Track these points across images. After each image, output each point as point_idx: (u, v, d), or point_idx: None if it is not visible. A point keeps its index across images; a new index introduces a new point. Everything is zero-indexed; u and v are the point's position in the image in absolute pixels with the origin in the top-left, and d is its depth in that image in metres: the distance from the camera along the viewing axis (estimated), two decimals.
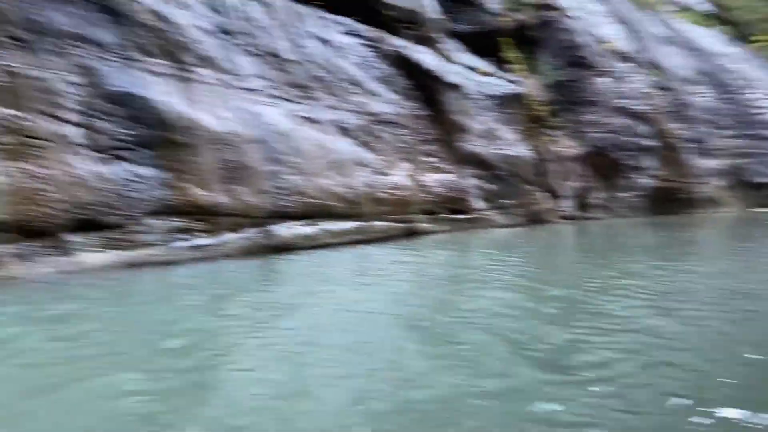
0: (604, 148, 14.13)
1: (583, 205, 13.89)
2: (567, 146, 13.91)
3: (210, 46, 8.84)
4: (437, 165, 11.62)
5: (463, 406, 2.52)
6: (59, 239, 6.61)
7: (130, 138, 7.37)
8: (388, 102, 11.31)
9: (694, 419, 2.33)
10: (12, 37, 6.77)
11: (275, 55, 9.83)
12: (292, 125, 9.31)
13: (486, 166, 12.31)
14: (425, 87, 11.97)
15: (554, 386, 2.72)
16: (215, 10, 9.25)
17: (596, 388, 2.67)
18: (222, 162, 8.11)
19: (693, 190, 14.91)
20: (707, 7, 20.69)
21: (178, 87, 8.12)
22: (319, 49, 10.58)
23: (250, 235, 8.16)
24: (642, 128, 14.47)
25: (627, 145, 14.25)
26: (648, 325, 3.84)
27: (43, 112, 6.79)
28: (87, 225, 6.82)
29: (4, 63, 6.62)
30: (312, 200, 8.99)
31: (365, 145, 10.43)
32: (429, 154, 11.60)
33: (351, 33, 11.42)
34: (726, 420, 2.32)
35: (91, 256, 6.75)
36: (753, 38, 19.74)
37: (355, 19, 11.57)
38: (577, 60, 14.74)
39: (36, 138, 6.65)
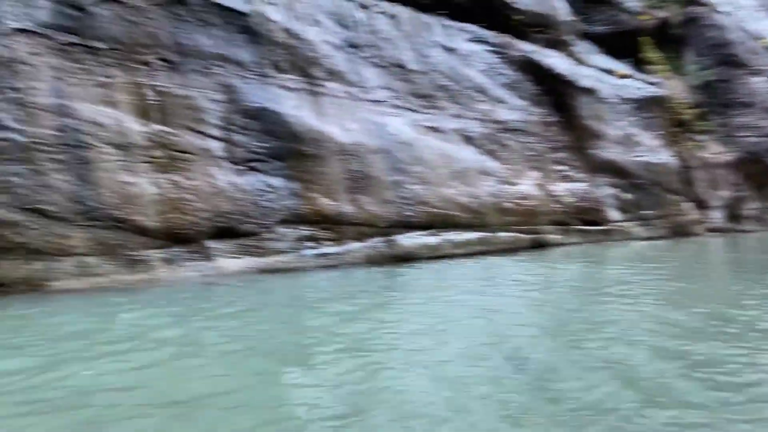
0: (759, 153, 12.94)
1: (734, 217, 12.69)
2: (716, 152, 12.80)
3: (338, 60, 9.11)
4: (568, 173, 10.99)
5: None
6: (202, 245, 7.12)
7: (263, 150, 7.79)
8: (515, 109, 10.92)
9: None
10: (163, 59, 7.46)
11: (400, 66, 9.91)
12: (416, 135, 9.29)
13: (623, 174, 11.46)
14: (555, 92, 11.43)
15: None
16: (343, 25, 9.53)
17: None
18: (347, 172, 8.29)
19: None
20: None
21: (308, 100, 8.45)
22: (443, 58, 10.51)
23: (373, 244, 8.22)
24: None
25: None
26: None
27: (189, 128, 7.39)
28: (225, 232, 7.29)
29: (156, 83, 7.30)
30: (435, 210, 8.87)
31: (490, 153, 10.13)
32: (559, 162, 11.01)
33: (477, 40, 11.22)
34: None
35: (229, 261, 7.20)
36: None
37: (481, 26, 11.37)
38: (728, 58, 13.60)
39: (183, 152, 7.26)
